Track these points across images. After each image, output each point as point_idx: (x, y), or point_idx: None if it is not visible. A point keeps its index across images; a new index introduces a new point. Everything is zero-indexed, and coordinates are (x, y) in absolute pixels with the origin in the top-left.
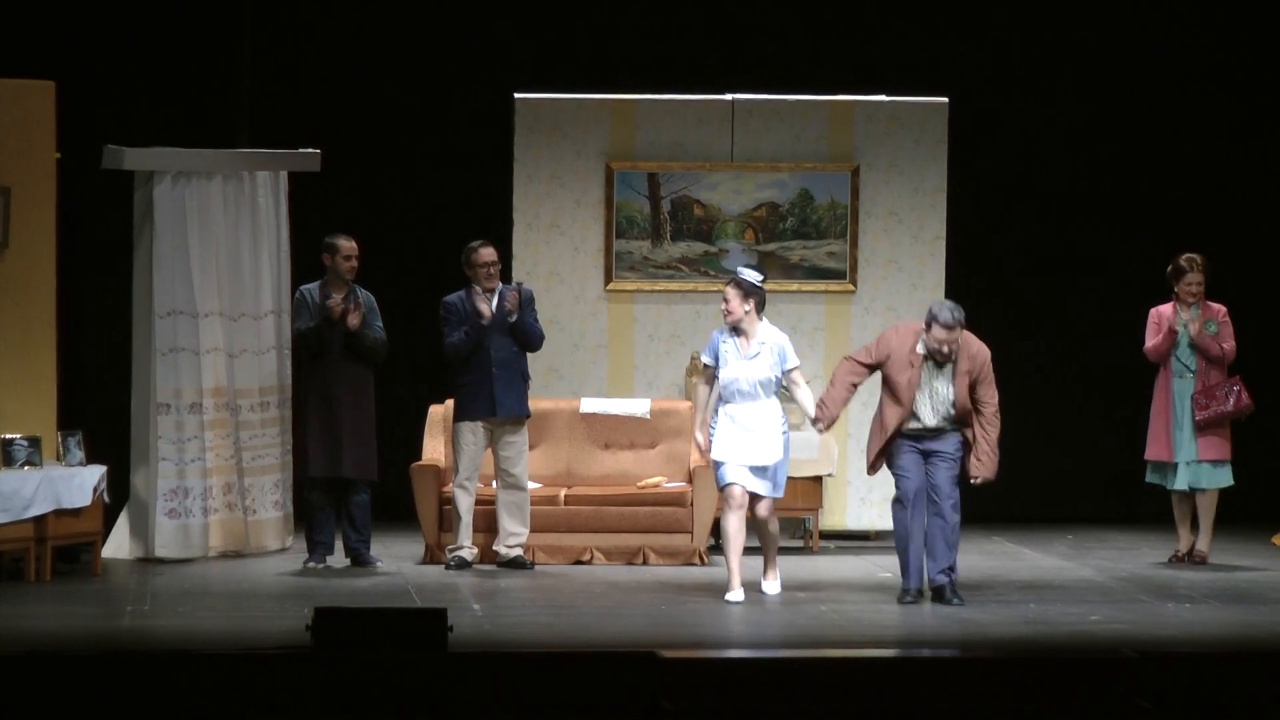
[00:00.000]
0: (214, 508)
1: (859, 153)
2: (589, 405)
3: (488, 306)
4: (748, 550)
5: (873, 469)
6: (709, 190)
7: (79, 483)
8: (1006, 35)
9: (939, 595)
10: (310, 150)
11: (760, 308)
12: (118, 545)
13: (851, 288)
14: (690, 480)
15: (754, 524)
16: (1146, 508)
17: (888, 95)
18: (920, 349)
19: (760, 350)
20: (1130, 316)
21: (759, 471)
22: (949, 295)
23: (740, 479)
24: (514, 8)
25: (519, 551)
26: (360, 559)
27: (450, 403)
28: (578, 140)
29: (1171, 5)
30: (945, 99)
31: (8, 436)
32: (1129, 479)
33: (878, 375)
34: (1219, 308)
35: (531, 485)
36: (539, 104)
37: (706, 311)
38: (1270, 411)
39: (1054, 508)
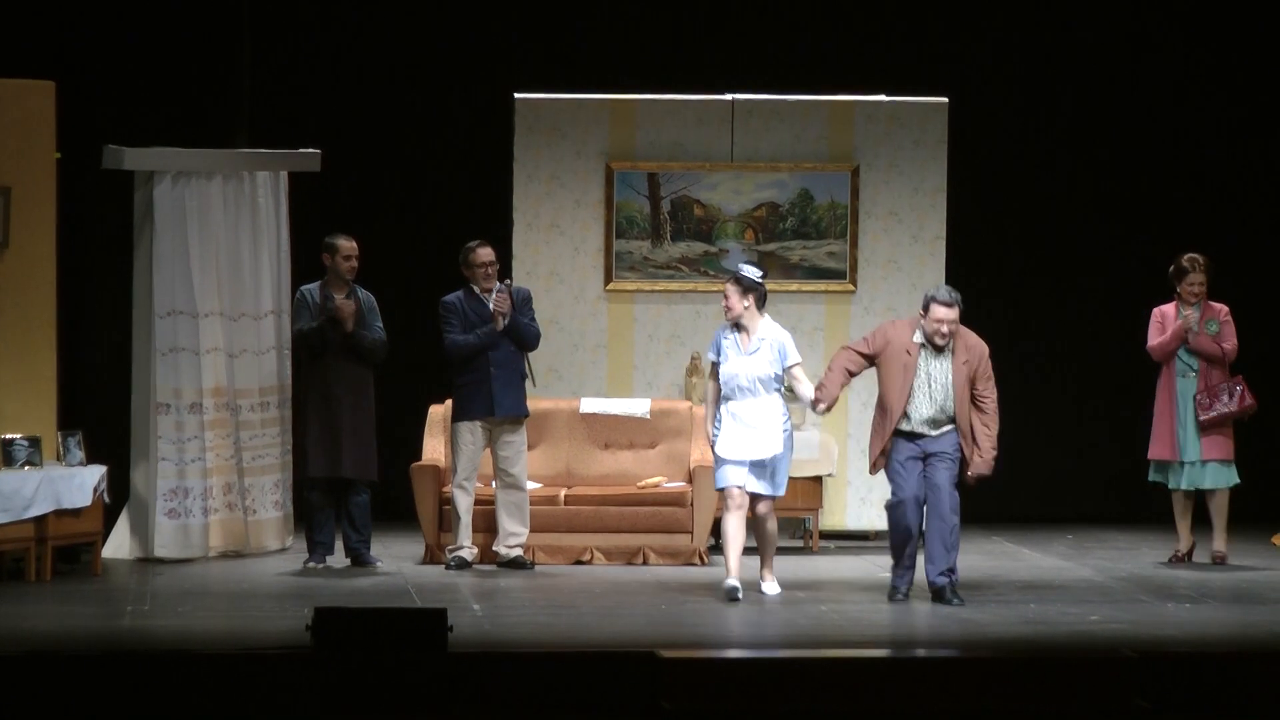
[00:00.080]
0: (214, 508)
1: (859, 153)
2: (589, 405)
3: (501, 310)
4: (747, 550)
5: (875, 468)
6: (709, 190)
7: (79, 483)
8: (1006, 35)
9: (939, 596)
10: (310, 150)
11: (760, 303)
12: (118, 545)
13: (851, 288)
14: (690, 480)
15: (753, 523)
16: (1146, 508)
17: (888, 95)
18: (918, 338)
19: (760, 346)
20: (1130, 316)
21: (758, 467)
22: None
23: (738, 480)
24: (514, 8)
25: (519, 551)
26: (360, 559)
27: (450, 403)
28: (578, 140)
29: (1171, 5)
30: (945, 99)
31: (8, 436)
32: (1129, 479)
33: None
34: (1221, 307)
35: (531, 485)
36: (539, 104)
37: (706, 311)
38: (1269, 411)
39: (1054, 508)
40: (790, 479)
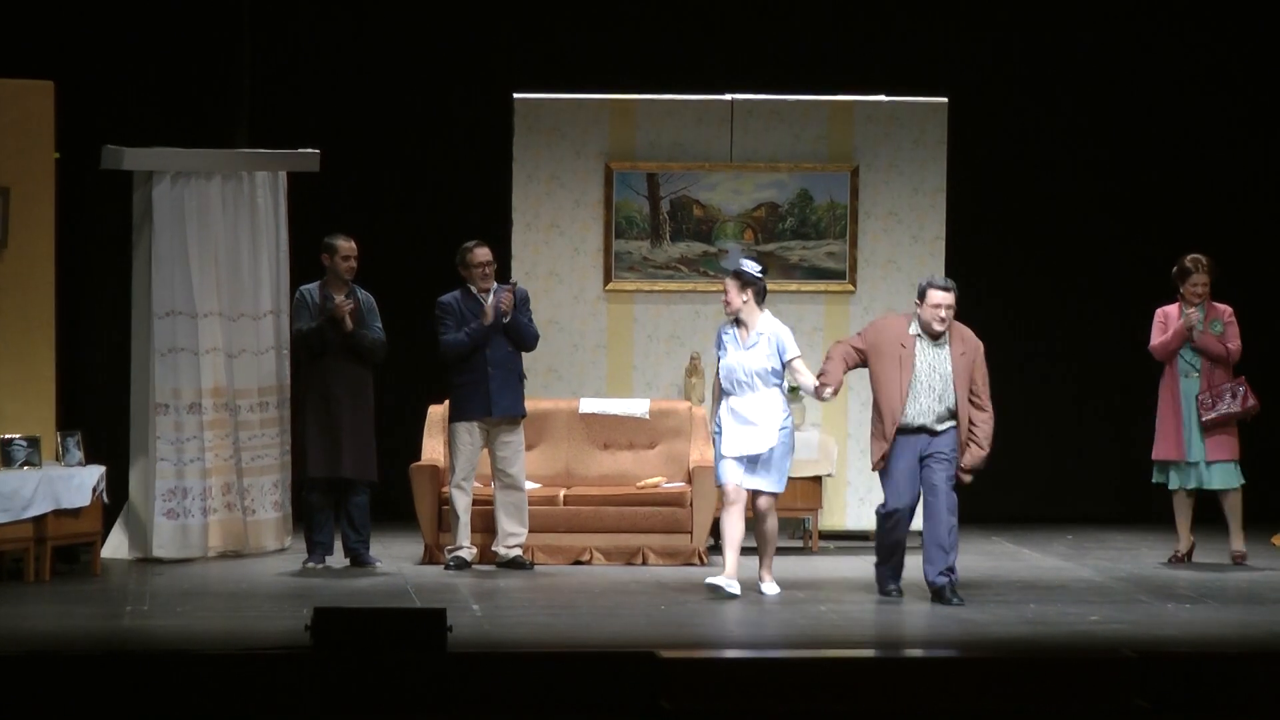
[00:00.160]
0: (213, 508)
1: (858, 153)
2: (588, 405)
3: (491, 307)
4: (747, 551)
5: (877, 466)
6: (708, 190)
7: (78, 483)
8: (1006, 35)
9: (939, 596)
10: (309, 150)
11: (760, 298)
12: (117, 545)
13: (851, 288)
14: (689, 480)
15: (753, 521)
16: (1146, 508)
17: (887, 95)
18: (913, 329)
19: (758, 341)
20: (1130, 316)
21: (756, 462)
22: None
23: (735, 477)
24: (514, 8)
25: (518, 552)
26: (359, 559)
27: (449, 403)
28: (577, 140)
29: (1171, 5)
30: (945, 99)
31: (7, 437)
32: (1129, 479)
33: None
34: (1224, 308)
35: (530, 485)
36: (538, 104)
37: (706, 311)
38: (1269, 411)
39: (1054, 508)
40: (790, 479)
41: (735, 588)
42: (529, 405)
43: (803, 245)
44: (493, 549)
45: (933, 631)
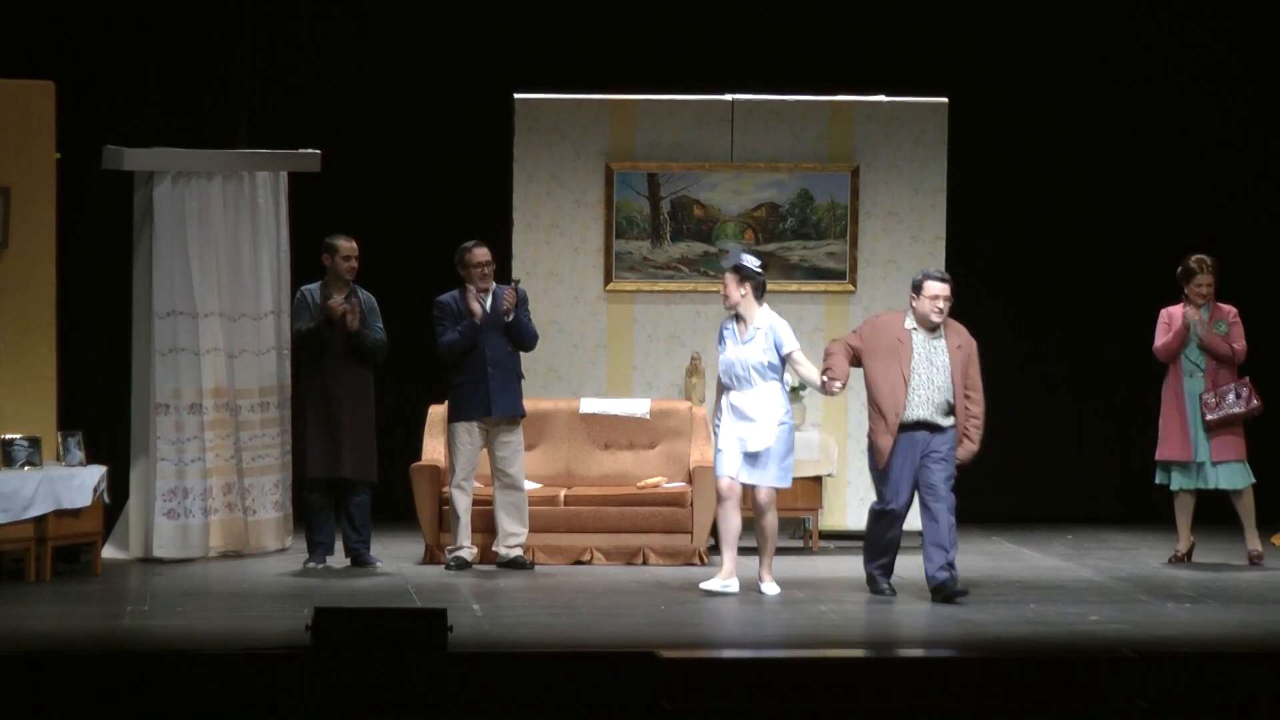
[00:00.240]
0: (214, 508)
1: (859, 153)
2: (588, 405)
3: (479, 305)
4: (748, 551)
5: (882, 465)
6: (709, 190)
7: (79, 483)
8: (1006, 35)
9: (941, 591)
10: (310, 150)
11: (758, 293)
12: (117, 545)
13: (851, 288)
14: (690, 480)
15: (753, 518)
16: (1146, 508)
17: (887, 95)
18: (909, 324)
19: (755, 335)
20: (1130, 316)
21: (753, 459)
22: None
23: (730, 471)
24: (514, 8)
25: (519, 552)
26: (360, 559)
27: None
28: (577, 140)
29: (1171, 4)
30: (945, 99)
31: (8, 437)
32: (1129, 479)
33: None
34: (1229, 308)
35: (530, 485)
36: (539, 104)
37: (706, 311)
38: (1270, 411)
39: (1054, 508)
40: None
41: (733, 586)
42: (529, 405)
43: (803, 245)
44: (493, 549)
45: (932, 632)
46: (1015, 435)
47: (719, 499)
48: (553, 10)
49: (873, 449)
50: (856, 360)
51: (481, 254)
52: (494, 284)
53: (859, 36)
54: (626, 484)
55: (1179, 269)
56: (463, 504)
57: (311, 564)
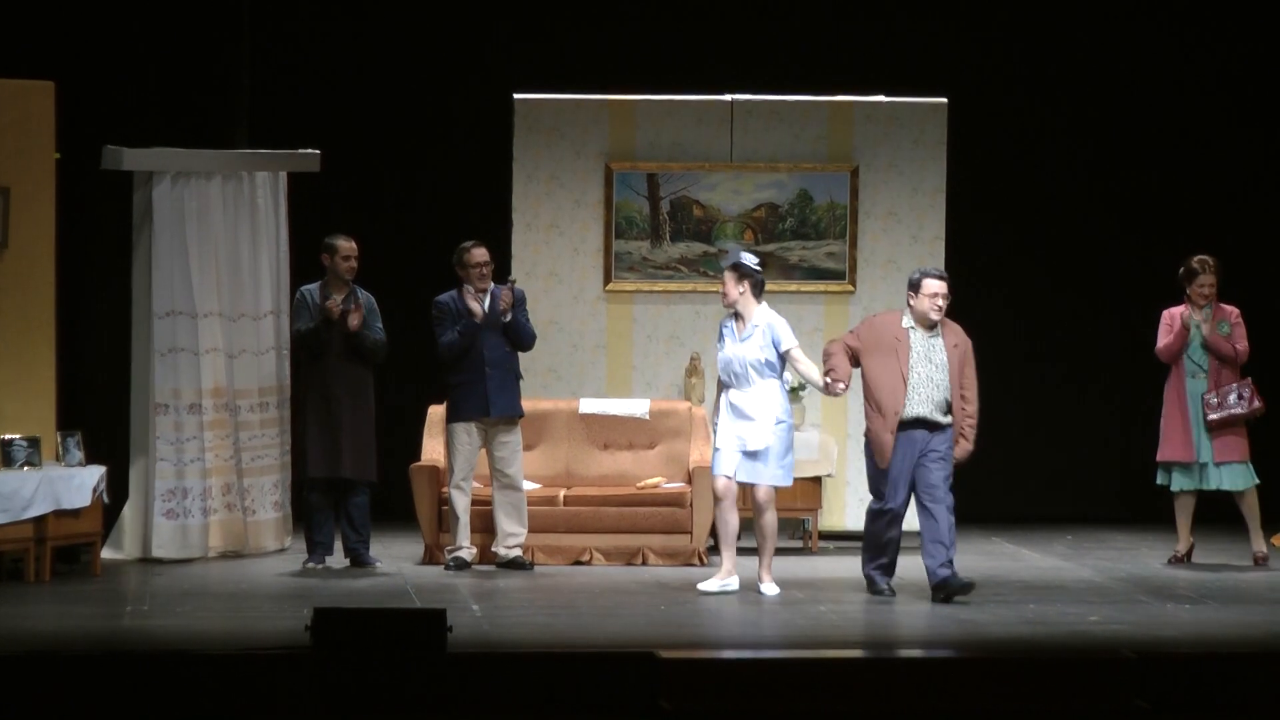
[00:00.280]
0: (213, 508)
1: (858, 153)
2: (588, 406)
3: (479, 305)
4: (746, 551)
5: (883, 460)
6: (708, 191)
7: (78, 483)
8: (1006, 35)
9: (944, 587)
10: (309, 150)
11: (756, 291)
12: (117, 546)
13: (850, 288)
14: (689, 481)
15: (752, 517)
16: (1146, 508)
17: (887, 95)
18: (906, 322)
19: (753, 332)
20: (1130, 316)
21: (751, 457)
22: None
23: (726, 470)
24: (514, 8)
25: (518, 552)
26: (359, 559)
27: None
28: (577, 140)
29: (1172, 4)
30: (944, 99)
31: (7, 437)
32: (1129, 479)
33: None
34: (1231, 309)
35: (529, 485)
36: (538, 104)
37: (706, 312)
38: (1271, 412)
39: (1053, 508)
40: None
41: (733, 584)
42: (529, 405)
43: (802, 245)
44: (492, 549)
45: (932, 632)
46: (1015, 435)
47: (715, 499)
48: (552, 10)
49: (872, 448)
50: (855, 360)
51: (480, 254)
52: (492, 284)
53: (859, 36)
54: (626, 484)
55: (1181, 270)
56: (461, 504)
57: (311, 564)
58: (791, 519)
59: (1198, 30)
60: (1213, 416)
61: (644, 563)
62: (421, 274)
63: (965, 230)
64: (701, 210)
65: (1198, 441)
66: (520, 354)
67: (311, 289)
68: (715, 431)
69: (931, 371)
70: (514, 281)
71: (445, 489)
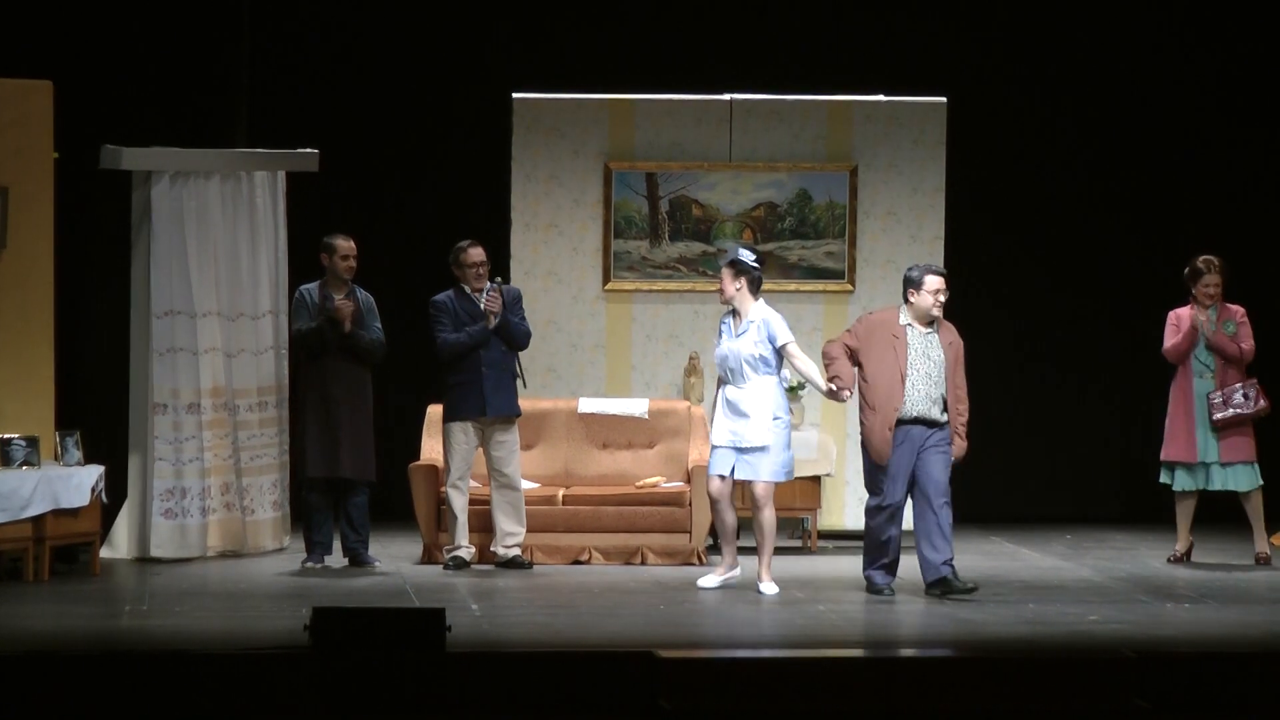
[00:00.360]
0: (212, 508)
1: (857, 153)
2: (587, 405)
3: (493, 310)
4: (745, 551)
5: (882, 458)
6: (707, 190)
7: (77, 483)
8: (1006, 35)
9: (946, 586)
10: (308, 150)
11: (753, 287)
12: (116, 545)
13: (850, 288)
14: (688, 480)
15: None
16: (1146, 508)
17: (886, 95)
18: (903, 319)
19: (748, 328)
20: (1130, 316)
21: (747, 454)
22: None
23: (720, 468)
24: (514, 8)
25: (517, 551)
26: (358, 559)
27: None
28: (576, 140)
29: (1172, 4)
30: (944, 99)
31: (6, 436)
32: (1129, 479)
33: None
34: (1237, 309)
35: (527, 484)
36: (537, 104)
37: (705, 311)
38: (1273, 411)
39: (1053, 508)
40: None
41: (736, 575)
42: (528, 405)
43: (802, 245)
44: (491, 549)
45: (931, 632)
46: (1015, 435)
47: (710, 500)
48: (552, 10)
49: (870, 445)
50: (855, 359)
51: (476, 254)
52: (488, 283)
53: (858, 36)
54: (625, 484)
55: (1186, 270)
56: (459, 504)
57: (310, 564)
58: (791, 518)
59: (1198, 30)
60: (1218, 416)
61: (643, 562)
62: (421, 274)
63: (965, 230)
64: (701, 210)
65: (1202, 442)
66: (519, 355)
67: (311, 288)
68: (712, 429)
69: (929, 368)
70: (500, 281)
71: (444, 489)
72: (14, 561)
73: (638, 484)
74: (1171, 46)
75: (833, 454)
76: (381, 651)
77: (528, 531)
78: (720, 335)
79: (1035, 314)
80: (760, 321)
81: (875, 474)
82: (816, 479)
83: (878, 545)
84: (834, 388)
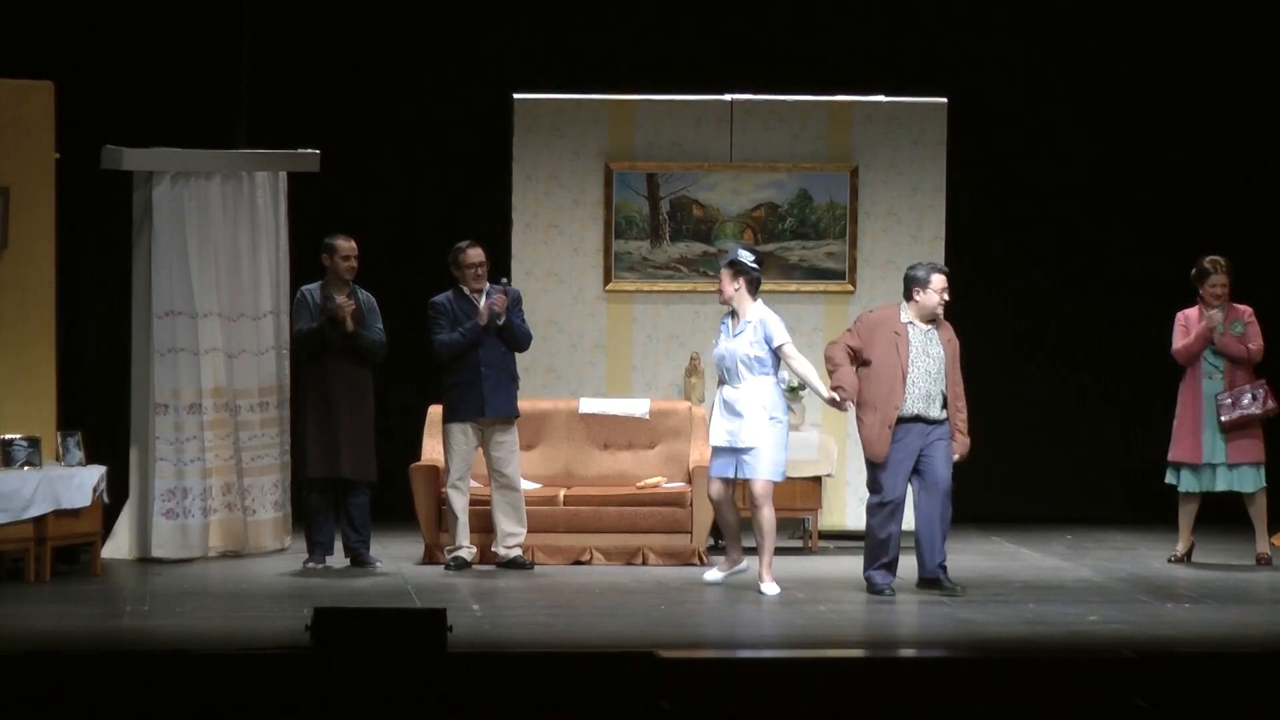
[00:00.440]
0: (213, 508)
1: (857, 153)
2: (588, 405)
3: (486, 308)
4: (747, 550)
5: (880, 457)
6: (708, 190)
7: (78, 483)
8: (1006, 35)
9: (939, 585)
10: (309, 150)
11: (752, 288)
12: (117, 545)
13: (850, 288)
14: (689, 481)
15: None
16: (1146, 508)
17: (886, 95)
18: (904, 318)
19: (745, 328)
20: (1130, 316)
21: (744, 454)
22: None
23: (718, 470)
24: (514, 8)
25: (518, 552)
26: (359, 559)
27: None
28: (576, 140)
29: (1173, 4)
30: (944, 99)
31: (7, 437)
32: (1129, 479)
33: None
34: (1245, 308)
35: (528, 485)
36: (538, 104)
37: (705, 312)
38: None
39: (1053, 508)
40: (789, 479)
41: (742, 566)
42: (528, 405)
43: (802, 245)
44: (492, 549)
45: (932, 632)
46: (1015, 435)
47: (712, 504)
48: (552, 10)
49: (870, 443)
50: (857, 359)
51: (475, 255)
52: (487, 284)
53: (858, 36)
54: (626, 484)
55: (1193, 270)
56: (459, 504)
57: (311, 564)
58: (791, 518)
59: (1199, 29)
60: (1226, 417)
61: (644, 562)
62: (421, 274)
63: (965, 230)
64: (701, 210)
65: (1209, 443)
66: (519, 355)
67: (312, 289)
68: (710, 429)
69: (929, 365)
70: (506, 282)
71: (444, 489)
72: (15, 562)
73: (638, 484)
74: (1172, 46)
75: (833, 454)
76: (383, 652)
77: (529, 532)
78: (719, 335)
79: (1036, 314)
80: (757, 322)
81: (875, 471)
82: (817, 479)
83: (878, 544)
84: (837, 398)
